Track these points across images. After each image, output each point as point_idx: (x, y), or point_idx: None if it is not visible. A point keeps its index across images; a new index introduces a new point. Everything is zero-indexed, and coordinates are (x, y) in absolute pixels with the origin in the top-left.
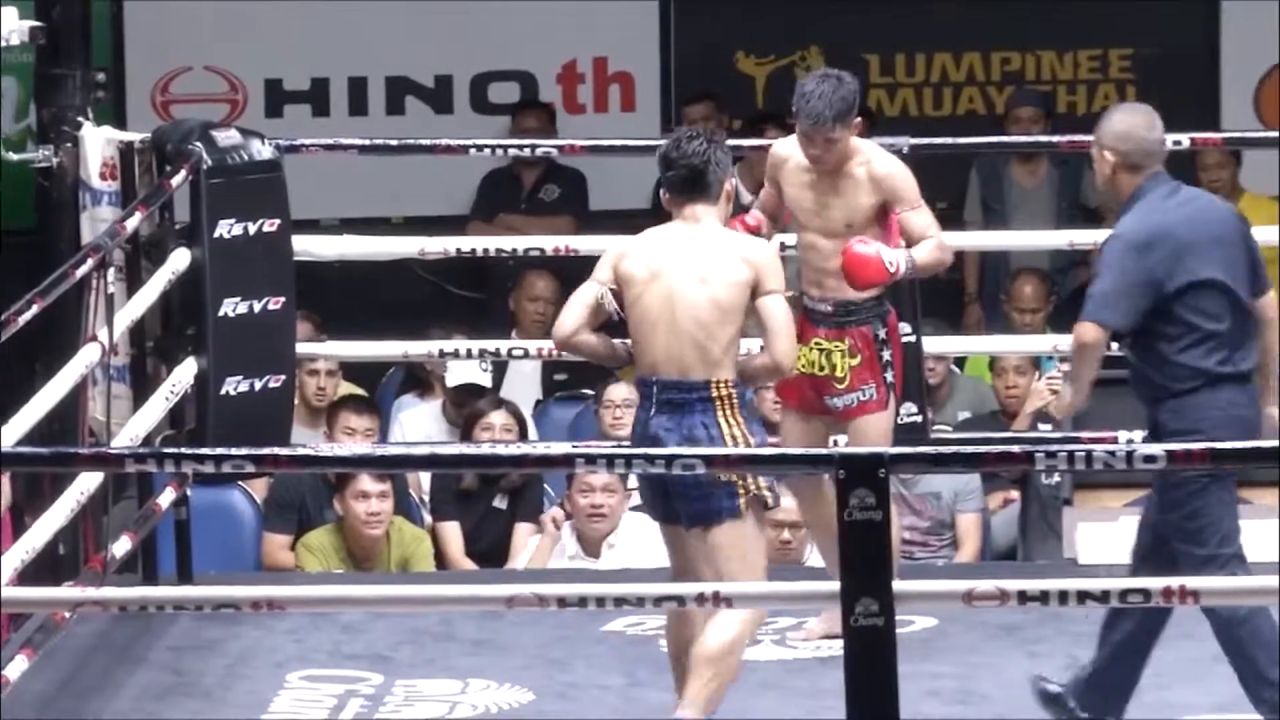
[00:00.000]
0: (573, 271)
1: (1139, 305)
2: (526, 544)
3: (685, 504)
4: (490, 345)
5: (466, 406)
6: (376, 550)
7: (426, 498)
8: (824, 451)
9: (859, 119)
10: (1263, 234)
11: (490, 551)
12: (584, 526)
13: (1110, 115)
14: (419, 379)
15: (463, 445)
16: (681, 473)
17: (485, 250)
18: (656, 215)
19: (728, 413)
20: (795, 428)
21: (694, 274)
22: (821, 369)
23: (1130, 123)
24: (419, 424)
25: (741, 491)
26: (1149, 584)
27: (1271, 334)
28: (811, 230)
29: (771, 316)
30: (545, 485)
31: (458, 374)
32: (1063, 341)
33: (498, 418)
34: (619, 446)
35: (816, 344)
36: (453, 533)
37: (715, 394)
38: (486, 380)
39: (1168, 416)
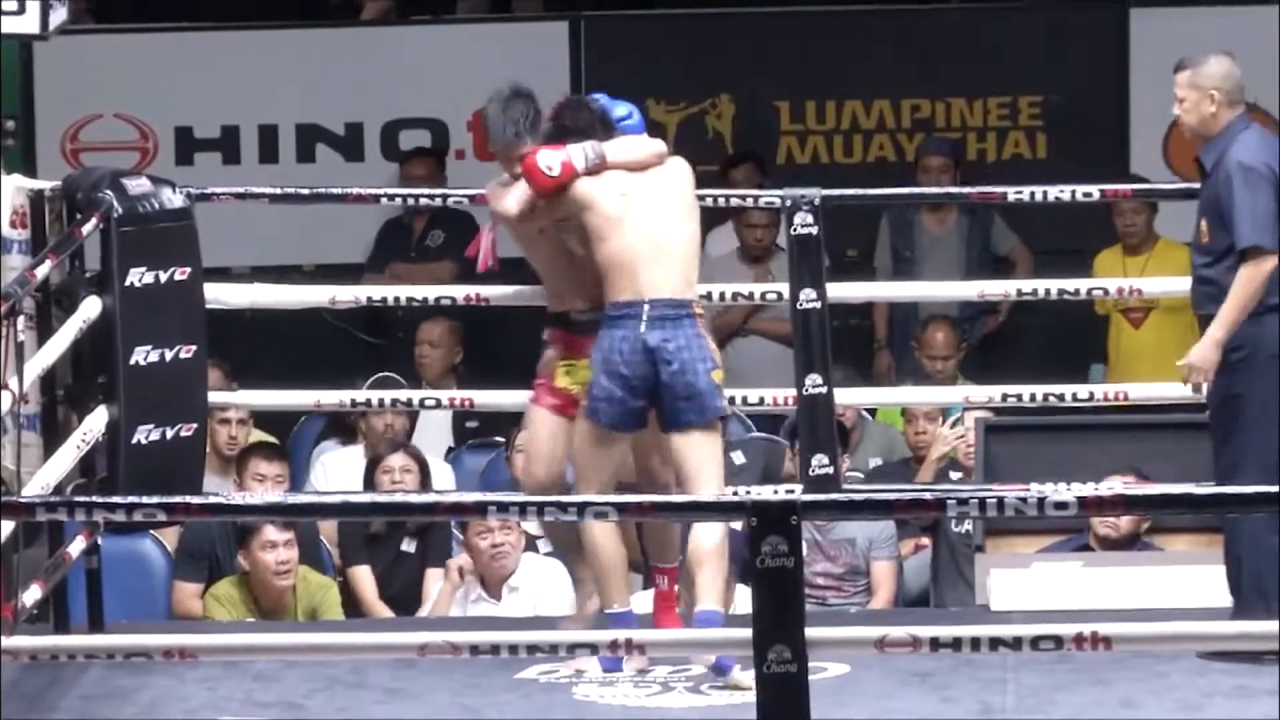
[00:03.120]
0: (474, 316)
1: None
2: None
3: (684, 404)
4: (402, 395)
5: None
6: (284, 601)
7: (334, 545)
8: (736, 499)
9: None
10: (1176, 284)
11: (401, 596)
12: (485, 568)
13: (1204, 59)
14: (341, 425)
15: (375, 494)
16: (591, 518)
17: (397, 299)
18: None
19: (703, 328)
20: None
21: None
22: None
23: (1226, 64)
24: (341, 470)
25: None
26: (1059, 630)
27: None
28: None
29: None
30: (454, 529)
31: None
32: (974, 392)
33: (396, 459)
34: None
35: None
36: (365, 576)
37: (696, 311)
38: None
39: (1262, 330)
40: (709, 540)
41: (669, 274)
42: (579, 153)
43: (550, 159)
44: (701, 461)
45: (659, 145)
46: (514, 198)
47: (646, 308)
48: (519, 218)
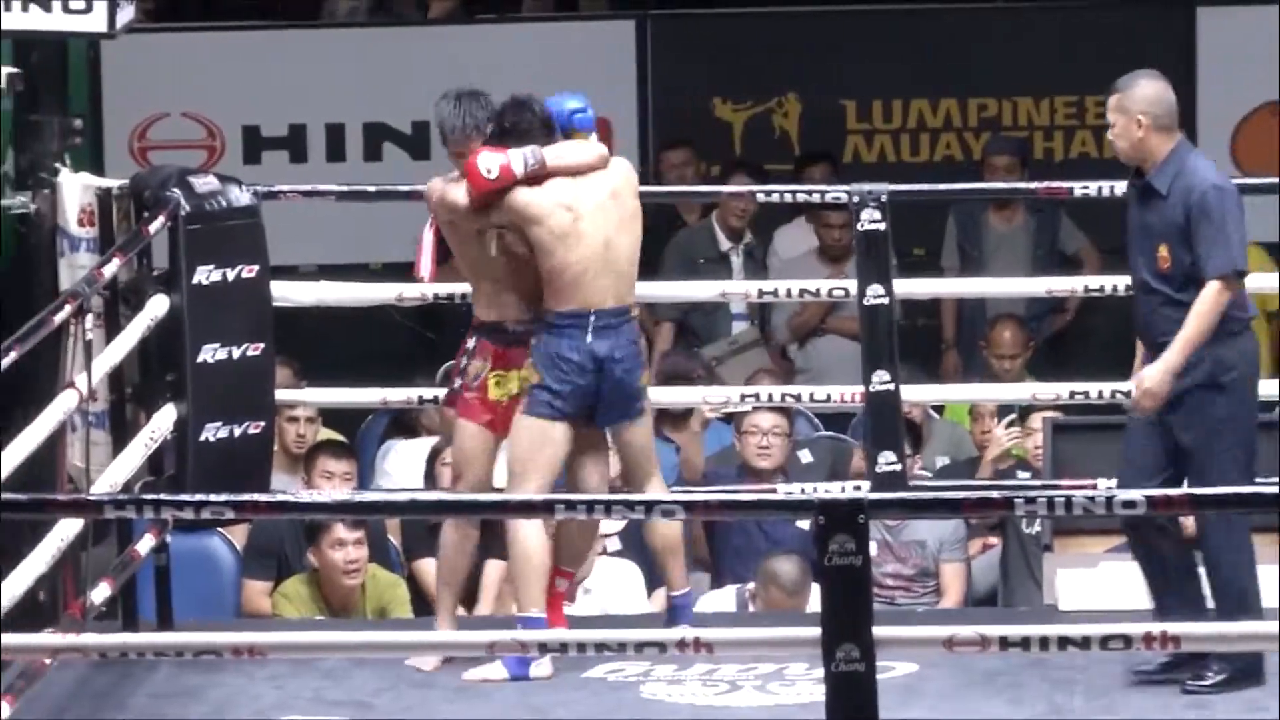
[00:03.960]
0: None
1: None
2: (495, 582)
3: (631, 402)
4: None
5: None
6: (353, 599)
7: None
8: (804, 497)
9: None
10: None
11: (463, 592)
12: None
13: (1134, 81)
14: (405, 423)
15: (439, 490)
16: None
17: (464, 296)
18: (664, 255)
19: (638, 328)
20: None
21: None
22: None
23: (1157, 88)
24: (407, 466)
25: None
26: (1128, 629)
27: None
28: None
29: None
30: None
31: None
32: (1041, 389)
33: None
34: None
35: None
36: (431, 569)
37: (634, 314)
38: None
39: (1220, 353)
40: (671, 530)
41: (614, 283)
42: (519, 157)
43: (489, 161)
44: (649, 443)
45: (600, 149)
46: (465, 190)
47: (593, 318)
48: (465, 213)
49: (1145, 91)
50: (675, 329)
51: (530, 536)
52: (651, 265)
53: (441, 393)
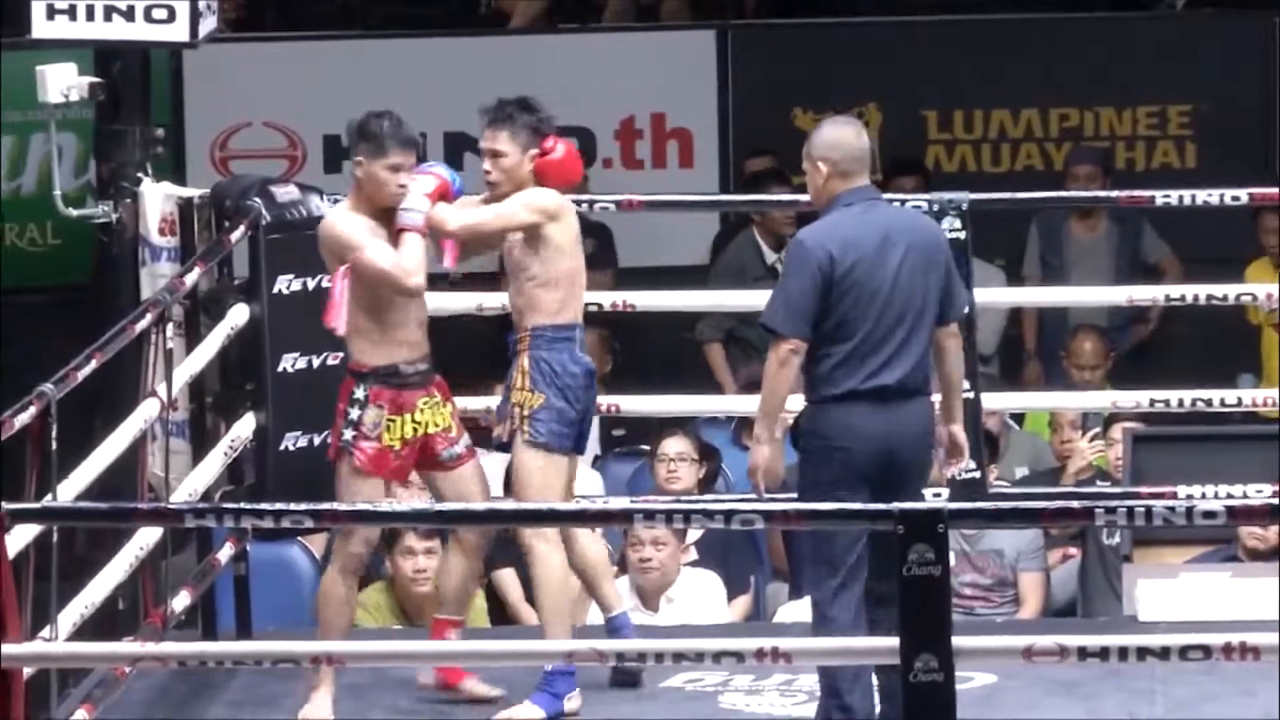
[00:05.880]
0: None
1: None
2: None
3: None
4: None
5: None
6: (428, 607)
7: None
8: (883, 507)
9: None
10: None
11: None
12: (638, 580)
13: (819, 128)
14: (482, 434)
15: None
16: (738, 525)
17: None
18: (713, 270)
19: None
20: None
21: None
22: (434, 426)
23: (839, 133)
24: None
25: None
26: (1208, 639)
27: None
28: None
29: None
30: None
31: None
32: (1121, 396)
33: None
34: (677, 501)
35: (425, 403)
36: (510, 579)
37: None
38: None
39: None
40: (600, 553)
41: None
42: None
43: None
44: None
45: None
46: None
47: (579, 330)
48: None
49: (825, 137)
50: (724, 348)
51: (562, 574)
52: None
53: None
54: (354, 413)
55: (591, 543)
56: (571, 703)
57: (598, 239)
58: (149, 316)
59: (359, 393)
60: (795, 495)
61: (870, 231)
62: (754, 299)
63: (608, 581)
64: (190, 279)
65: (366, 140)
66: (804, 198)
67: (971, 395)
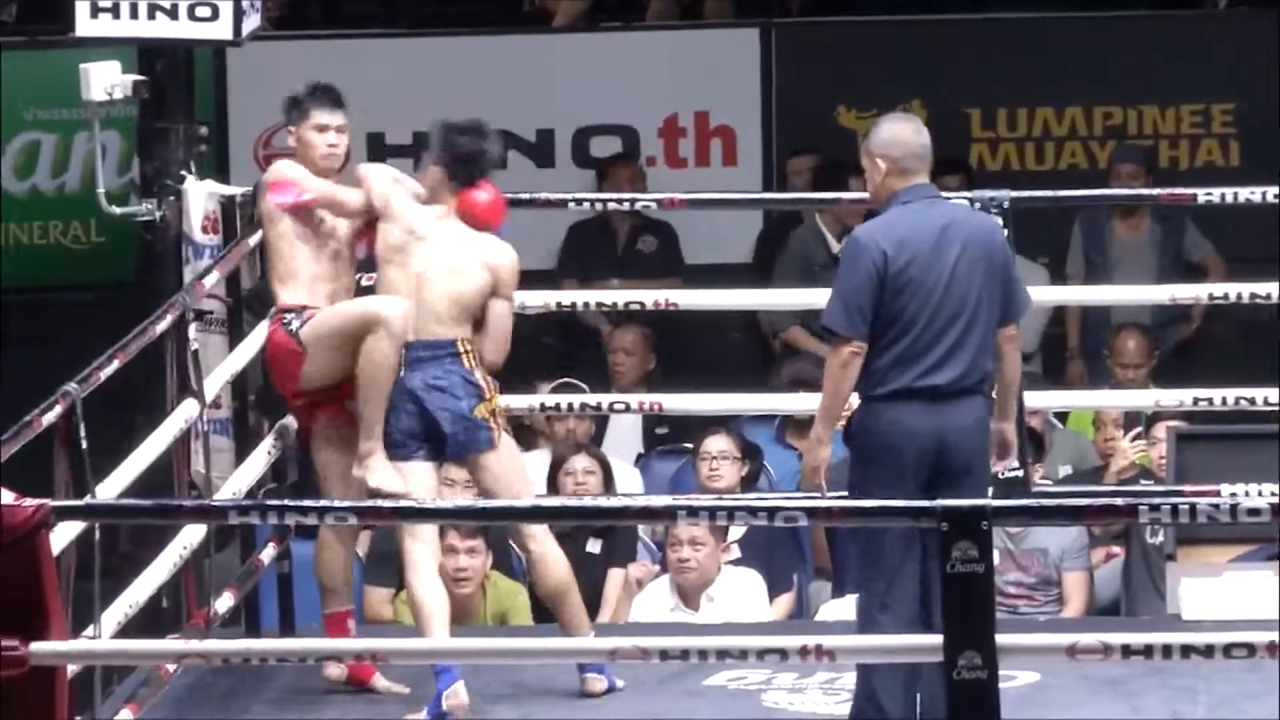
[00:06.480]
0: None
1: None
2: (618, 591)
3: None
4: (590, 399)
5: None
6: (471, 605)
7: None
8: (926, 504)
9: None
10: None
11: (586, 600)
12: (678, 578)
13: (878, 124)
14: (524, 432)
15: (561, 497)
16: (780, 523)
17: (585, 304)
18: (758, 268)
19: None
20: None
21: None
22: None
23: (898, 130)
24: None
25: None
26: (1252, 637)
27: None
28: None
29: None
30: (644, 537)
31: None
32: (1164, 395)
33: (579, 461)
34: (720, 498)
35: None
36: None
37: None
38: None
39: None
40: (564, 572)
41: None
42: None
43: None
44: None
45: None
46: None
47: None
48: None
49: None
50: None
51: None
52: (767, 273)
53: (563, 399)
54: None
55: (555, 564)
56: (451, 700)
57: (660, 238)
58: (169, 317)
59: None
60: (844, 493)
61: (926, 229)
62: (798, 297)
63: (567, 606)
64: (210, 280)
65: (294, 108)
66: (849, 196)
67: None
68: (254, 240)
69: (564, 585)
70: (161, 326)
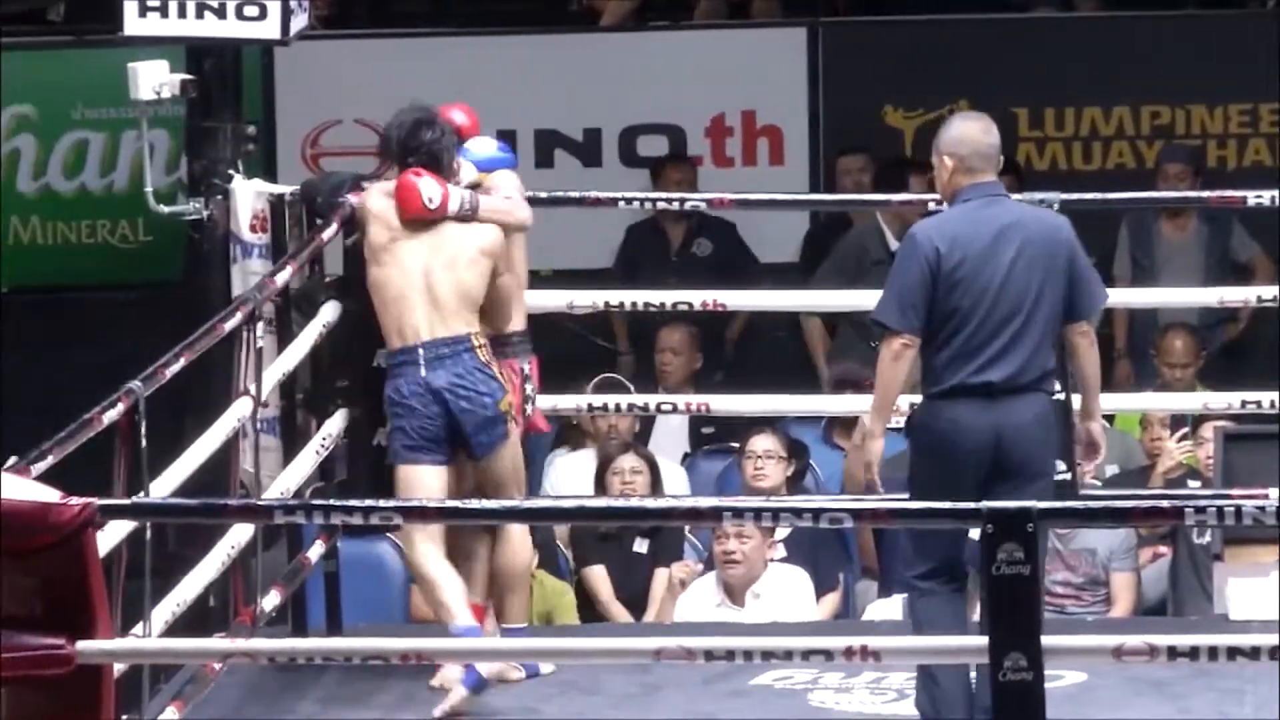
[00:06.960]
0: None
1: None
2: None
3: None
4: (639, 400)
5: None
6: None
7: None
8: (972, 506)
9: None
10: None
11: (633, 598)
12: (723, 574)
13: (948, 123)
14: (572, 433)
15: (608, 497)
16: (826, 524)
17: (634, 304)
18: (805, 268)
19: None
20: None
21: None
22: None
23: (966, 128)
24: (570, 475)
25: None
26: None
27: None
28: None
29: None
30: (690, 536)
31: None
32: (1212, 398)
33: (627, 460)
34: (766, 499)
35: None
36: (601, 576)
37: None
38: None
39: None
40: (520, 562)
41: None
42: (456, 196)
43: (431, 190)
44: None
45: (521, 213)
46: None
47: (420, 350)
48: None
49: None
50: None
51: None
52: (814, 268)
53: (610, 399)
54: (528, 388)
55: (522, 549)
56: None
57: (717, 240)
58: (240, 314)
59: (523, 366)
60: (898, 489)
61: (983, 227)
62: (845, 298)
63: (519, 595)
64: (282, 276)
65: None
66: (899, 197)
67: (1062, 395)
68: (327, 235)
69: (522, 573)
70: (231, 324)
